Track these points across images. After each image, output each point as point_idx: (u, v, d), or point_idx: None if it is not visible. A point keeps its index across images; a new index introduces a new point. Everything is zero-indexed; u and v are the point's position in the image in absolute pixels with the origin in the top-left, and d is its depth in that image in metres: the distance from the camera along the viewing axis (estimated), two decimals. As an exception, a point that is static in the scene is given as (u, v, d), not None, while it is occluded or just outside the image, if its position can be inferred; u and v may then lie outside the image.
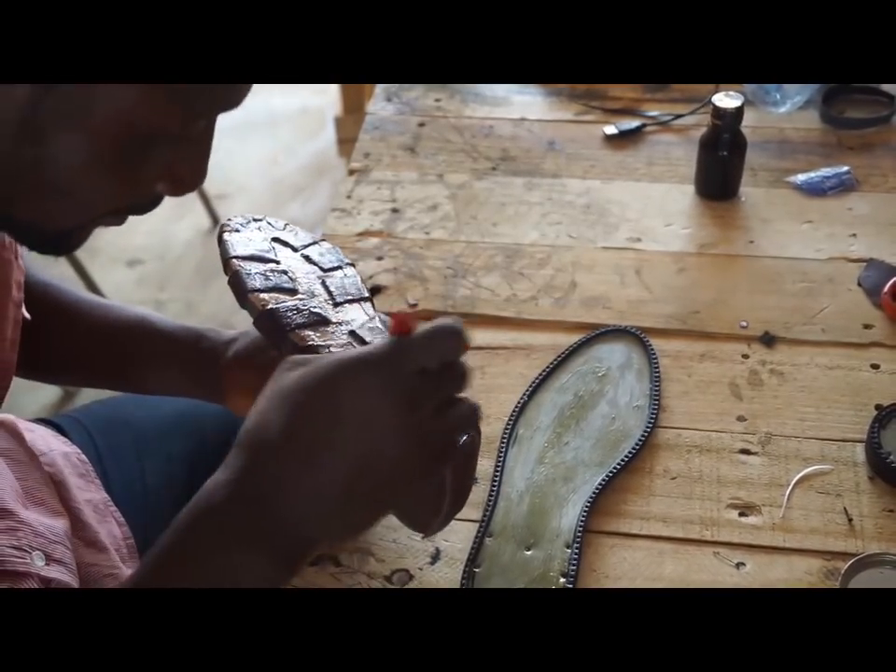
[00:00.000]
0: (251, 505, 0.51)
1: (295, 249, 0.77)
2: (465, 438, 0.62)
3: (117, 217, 0.59)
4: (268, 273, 0.71)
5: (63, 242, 0.59)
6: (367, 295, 0.75)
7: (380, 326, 0.72)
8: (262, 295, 0.69)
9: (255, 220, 0.77)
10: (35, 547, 0.67)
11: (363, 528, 0.54)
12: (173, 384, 0.84)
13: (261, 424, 0.52)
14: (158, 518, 0.89)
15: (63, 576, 0.68)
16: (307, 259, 0.76)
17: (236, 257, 0.72)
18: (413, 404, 0.50)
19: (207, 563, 0.52)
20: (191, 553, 0.53)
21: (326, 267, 0.76)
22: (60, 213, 0.55)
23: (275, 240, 0.76)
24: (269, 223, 0.78)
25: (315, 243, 0.78)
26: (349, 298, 0.73)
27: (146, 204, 0.59)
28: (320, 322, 0.69)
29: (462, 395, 0.55)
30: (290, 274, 0.72)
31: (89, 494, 0.81)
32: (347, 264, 0.77)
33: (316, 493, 0.50)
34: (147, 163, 0.53)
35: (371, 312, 0.73)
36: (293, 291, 0.71)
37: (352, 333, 0.69)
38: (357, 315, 0.72)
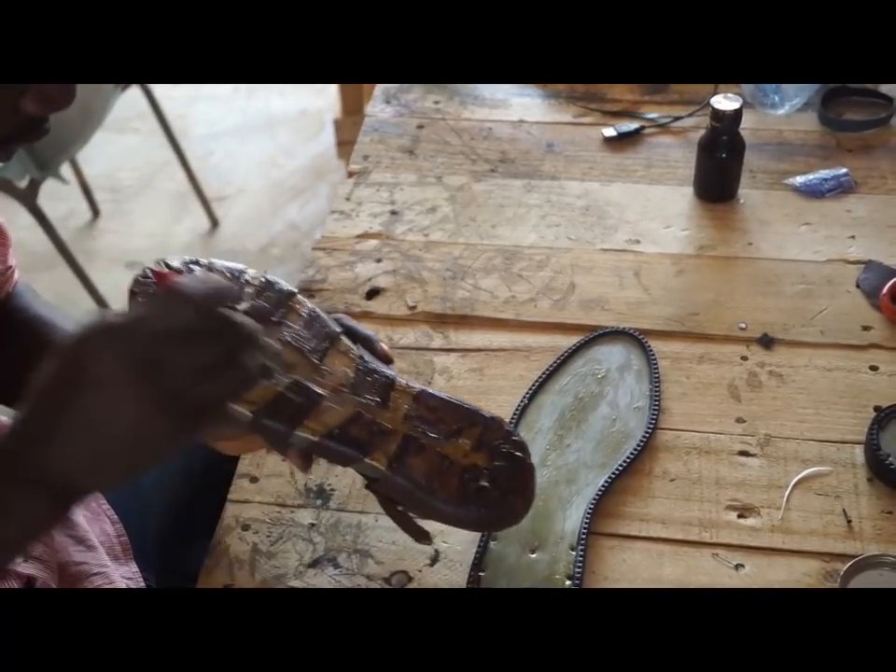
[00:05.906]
0: (25, 446, 0.53)
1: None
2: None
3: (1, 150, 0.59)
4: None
5: None
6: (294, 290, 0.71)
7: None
8: None
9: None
10: None
11: (125, 479, 0.56)
12: None
13: (41, 376, 0.54)
14: (152, 518, 0.90)
15: (40, 573, 0.69)
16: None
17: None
18: (156, 372, 0.51)
19: None
20: None
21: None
22: None
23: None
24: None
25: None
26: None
27: (24, 129, 0.58)
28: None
29: (249, 351, 0.55)
30: None
31: None
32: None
33: (71, 445, 0.53)
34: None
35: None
36: None
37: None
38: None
